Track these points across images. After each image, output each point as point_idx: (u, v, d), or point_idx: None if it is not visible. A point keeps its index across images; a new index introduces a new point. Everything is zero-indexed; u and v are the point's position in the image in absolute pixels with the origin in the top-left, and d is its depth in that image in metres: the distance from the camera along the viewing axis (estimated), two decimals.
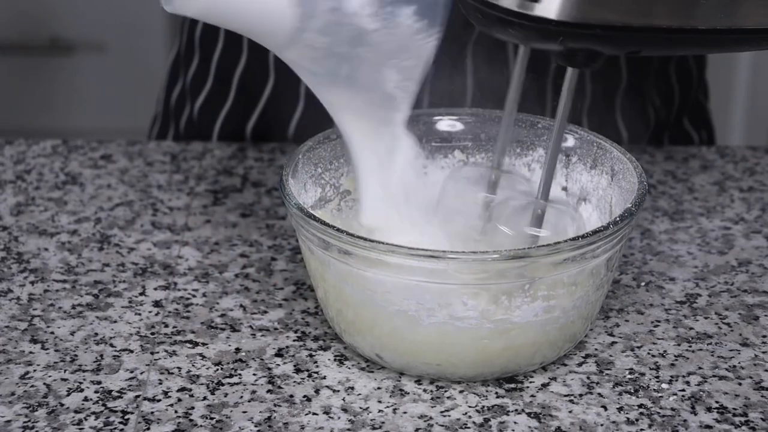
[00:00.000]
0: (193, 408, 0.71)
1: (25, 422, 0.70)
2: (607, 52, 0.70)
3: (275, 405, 0.71)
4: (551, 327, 0.71)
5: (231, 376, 0.73)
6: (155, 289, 0.82)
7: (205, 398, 0.72)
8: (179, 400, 0.71)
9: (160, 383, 0.73)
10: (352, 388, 0.73)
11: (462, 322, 0.70)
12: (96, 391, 0.72)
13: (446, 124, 0.83)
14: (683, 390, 0.73)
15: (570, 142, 0.81)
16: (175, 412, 0.70)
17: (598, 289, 0.73)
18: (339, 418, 0.70)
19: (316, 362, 0.75)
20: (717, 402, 0.72)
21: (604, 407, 0.71)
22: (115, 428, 0.69)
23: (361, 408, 0.71)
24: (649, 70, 1.03)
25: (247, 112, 1.03)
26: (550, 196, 0.75)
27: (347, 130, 0.76)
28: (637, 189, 0.74)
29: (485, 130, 0.83)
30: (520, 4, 0.68)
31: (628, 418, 0.70)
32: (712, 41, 0.71)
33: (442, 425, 0.70)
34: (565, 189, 0.81)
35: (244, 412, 0.70)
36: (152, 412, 0.70)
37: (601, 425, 0.70)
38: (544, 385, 0.73)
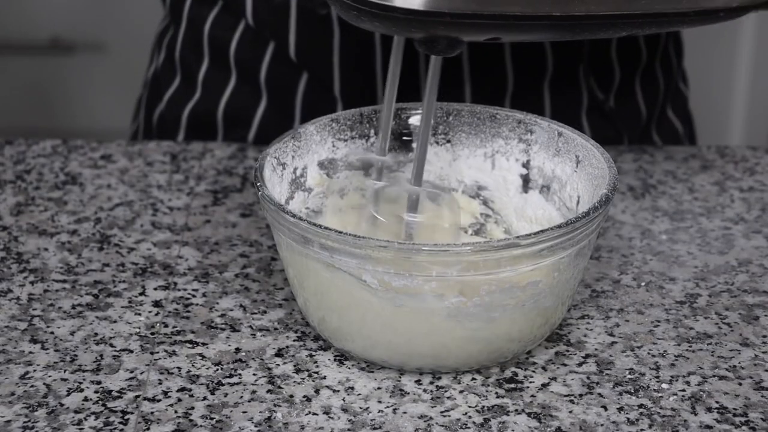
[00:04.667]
0: (193, 408, 0.71)
1: (25, 422, 0.70)
2: (466, 38, 0.71)
3: (275, 405, 0.71)
4: (531, 313, 0.72)
5: (231, 376, 0.73)
6: (155, 289, 0.82)
7: (205, 398, 0.71)
8: (179, 400, 0.71)
9: (160, 383, 0.73)
10: (352, 388, 0.73)
11: (439, 313, 0.70)
12: (96, 391, 0.72)
13: (417, 119, 0.83)
14: (683, 390, 0.73)
15: (534, 132, 0.81)
16: (175, 412, 0.70)
17: (576, 276, 0.73)
18: (339, 418, 0.70)
19: (316, 362, 0.75)
20: (717, 402, 0.72)
21: (604, 407, 0.71)
22: (115, 428, 0.69)
23: (361, 408, 0.71)
24: (639, 65, 1.03)
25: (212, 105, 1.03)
26: (430, 181, 0.77)
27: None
28: (608, 174, 0.74)
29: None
30: None
31: (628, 418, 0.70)
32: (567, 27, 0.71)
33: (442, 425, 0.69)
34: (527, 178, 0.81)
35: (244, 412, 0.70)
36: (152, 412, 0.70)
37: (601, 425, 0.70)
38: (544, 385, 0.73)
